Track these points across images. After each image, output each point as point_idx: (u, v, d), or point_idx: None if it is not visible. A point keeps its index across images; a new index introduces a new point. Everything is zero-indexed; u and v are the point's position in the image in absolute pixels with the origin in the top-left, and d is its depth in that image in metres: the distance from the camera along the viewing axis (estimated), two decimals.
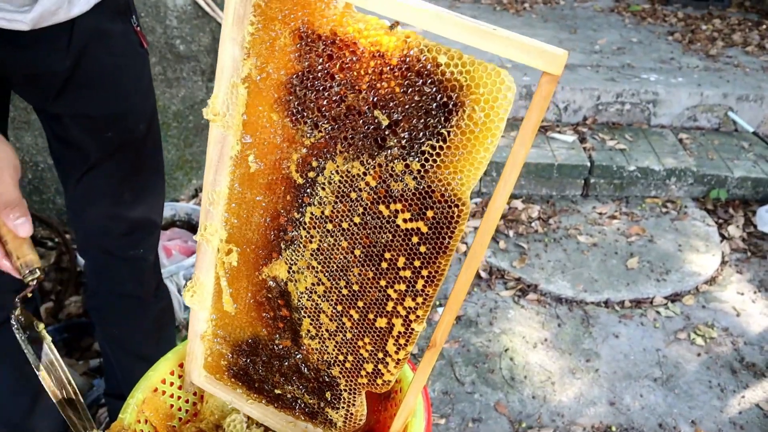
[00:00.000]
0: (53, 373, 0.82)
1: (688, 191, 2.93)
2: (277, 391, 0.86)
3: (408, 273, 0.69)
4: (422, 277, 0.68)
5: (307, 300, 0.76)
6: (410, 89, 0.61)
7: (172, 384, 0.96)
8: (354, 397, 0.82)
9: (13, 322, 0.78)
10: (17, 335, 0.78)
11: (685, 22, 4.43)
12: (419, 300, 0.69)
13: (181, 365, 0.98)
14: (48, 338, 0.82)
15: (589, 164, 2.88)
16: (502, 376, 1.97)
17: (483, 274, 2.40)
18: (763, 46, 3.97)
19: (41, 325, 0.83)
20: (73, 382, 0.84)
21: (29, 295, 0.79)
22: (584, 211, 2.83)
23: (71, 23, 1.01)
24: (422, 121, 0.62)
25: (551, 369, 2.00)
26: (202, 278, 0.82)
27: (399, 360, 0.75)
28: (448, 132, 0.61)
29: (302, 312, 0.78)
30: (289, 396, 0.86)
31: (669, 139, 3.12)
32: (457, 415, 1.83)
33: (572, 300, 2.30)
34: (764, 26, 4.35)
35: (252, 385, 0.88)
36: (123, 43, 1.13)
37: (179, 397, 0.98)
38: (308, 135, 0.67)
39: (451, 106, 0.60)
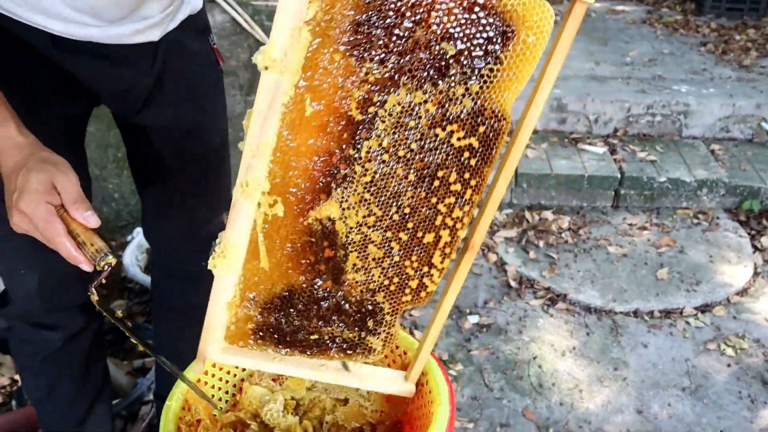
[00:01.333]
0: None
1: (720, 202, 2.93)
2: (314, 337, 0.90)
3: (458, 186, 0.78)
4: (470, 187, 0.79)
5: (357, 234, 0.81)
6: (476, 20, 0.70)
7: (213, 375, 1.04)
8: (395, 318, 0.88)
9: (96, 305, 0.87)
10: (105, 315, 0.87)
11: (718, 33, 4.40)
12: (466, 209, 0.80)
13: (214, 365, 1.05)
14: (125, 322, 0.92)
15: (619, 175, 2.90)
16: (530, 383, 2.00)
17: (513, 284, 2.44)
18: None
19: (118, 312, 0.91)
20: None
21: (103, 281, 0.86)
22: (614, 222, 2.84)
23: (157, 43, 1.10)
24: (484, 48, 0.71)
25: (579, 377, 2.03)
26: (235, 239, 0.82)
27: (443, 269, 0.85)
28: (505, 56, 0.71)
29: (350, 248, 0.82)
30: (326, 337, 0.91)
31: (701, 150, 3.12)
32: (485, 420, 1.87)
33: (601, 309, 2.32)
34: None
35: (283, 339, 0.91)
36: (202, 60, 1.21)
37: (220, 388, 1.06)
38: (374, 72, 0.73)
39: (509, 33, 0.70)
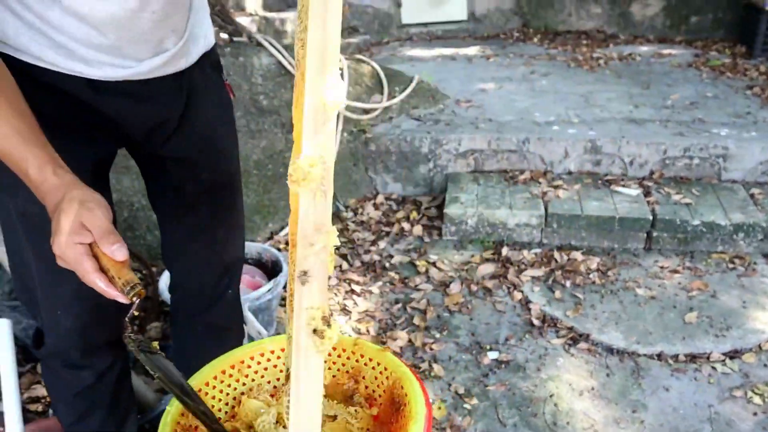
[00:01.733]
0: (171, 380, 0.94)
1: (759, 247, 2.87)
2: None
3: None
4: None
5: None
6: None
7: (214, 387, 1.12)
8: None
9: (126, 340, 0.92)
10: (133, 350, 0.91)
11: (767, 76, 4.35)
12: None
13: (224, 371, 1.14)
14: (161, 354, 0.95)
15: (651, 218, 2.89)
16: (544, 421, 2.01)
17: (536, 322, 2.46)
18: None
19: (154, 343, 0.95)
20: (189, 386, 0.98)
21: (135, 313, 0.95)
22: (645, 265, 2.82)
23: (181, 74, 1.19)
24: None
25: (595, 417, 2.02)
26: None
27: None
28: None
29: None
30: None
31: (739, 194, 3.07)
32: None
33: (624, 351, 2.31)
34: None
35: None
36: (218, 93, 1.31)
37: (220, 399, 1.14)
38: None
39: None
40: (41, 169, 0.91)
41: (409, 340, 2.37)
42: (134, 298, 0.90)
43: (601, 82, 4.37)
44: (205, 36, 1.24)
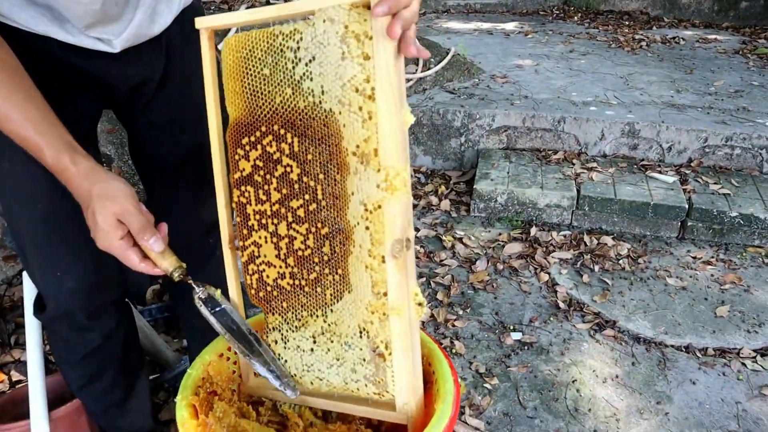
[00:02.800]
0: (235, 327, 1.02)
1: None
2: None
3: None
4: None
5: None
6: None
7: (236, 353, 1.10)
8: None
9: (197, 302, 1.01)
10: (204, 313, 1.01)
11: None
12: None
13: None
14: (223, 301, 1.02)
15: (687, 206, 2.80)
16: (566, 406, 1.97)
17: (562, 305, 2.41)
18: None
19: (218, 292, 1.03)
20: (253, 331, 1.03)
21: (188, 280, 0.99)
22: (677, 254, 2.75)
23: (159, 35, 1.15)
24: None
25: (618, 406, 1.98)
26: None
27: None
28: None
29: None
30: None
31: None
32: None
33: (651, 340, 2.26)
34: None
35: None
36: (197, 53, 1.27)
37: (234, 372, 1.12)
38: None
39: None
40: (58, 158, 0.92)
41: (432, 315, 2.34)
42: (179, 277, 0.97)
43: (642, 64, 4.24)
44: None
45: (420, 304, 0.89)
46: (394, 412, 0.96)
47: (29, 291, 1.30)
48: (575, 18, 5.71)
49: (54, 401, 1.49)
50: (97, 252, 1.14)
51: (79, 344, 1.28)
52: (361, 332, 0.95)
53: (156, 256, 0.94)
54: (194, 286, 0.99)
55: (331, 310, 0.96)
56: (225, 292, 1.05)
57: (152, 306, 2.14)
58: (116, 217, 0.90)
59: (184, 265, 0.98)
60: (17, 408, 1.65)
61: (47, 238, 1.14)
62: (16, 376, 1.93)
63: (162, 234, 0.96)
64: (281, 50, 0.88)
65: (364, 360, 0.96)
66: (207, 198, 1.38)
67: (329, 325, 0.97)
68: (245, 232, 1.00)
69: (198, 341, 1.61)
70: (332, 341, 0.98)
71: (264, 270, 0.99)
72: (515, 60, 4.23)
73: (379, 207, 0.85)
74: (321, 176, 0.90)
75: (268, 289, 1.00)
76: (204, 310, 0.99)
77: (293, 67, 0.88)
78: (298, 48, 0.86)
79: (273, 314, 1.01)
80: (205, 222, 1.42)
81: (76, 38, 1.02)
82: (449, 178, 3.31)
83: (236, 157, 0.97)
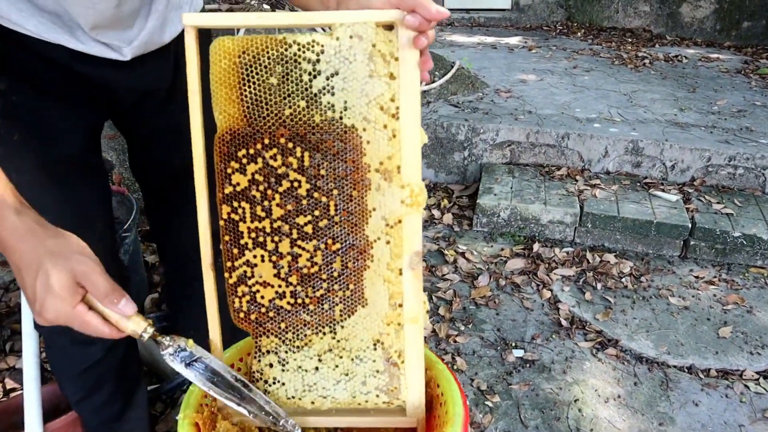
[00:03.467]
0: (220, 382, 0.92)
1: None
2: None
3: None
4: None
5: None
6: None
7: (239, 369, 1.08)
8: None
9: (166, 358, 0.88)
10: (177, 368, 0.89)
11: None
12: None
13: (241, 359, 1.09)
14: (198, 351, 0.92)
15: (690, 225, 2.79)
16: (567, 425, 1.95)
17: (564, 323, 2.39)
18: None
19: (189, 342, 0.91)
20: (239, 376, 0.94)
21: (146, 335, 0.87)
22: (680, 273, 2.74)
23: (169, 43, 1.13)
24: None
25: (620, 426, 1.95)
26: None
27: None
28: None
29: None
30: None
31: None
32: None
33: (653, 360, 2.24)
34: None
35: None
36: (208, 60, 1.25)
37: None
38: None
39: None
40: None
41: (433, 331, 2.31)
42: (148, 338, 0.86)
43: (645, 82, 4.25)
44: (190, 2, 1.17)
45: (427, 312, 0.95)
46: (405, 417, 0.99)
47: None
48: (578, 34, 5.72)
49: (49, 412, 1.46)
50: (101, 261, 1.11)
51: (80, 358, 1.26)
52: (375, 344, 0.95)
53: (119, 320, 0.82)
54: (162, 341, 0.87)
55: (342, 326, 0.94)
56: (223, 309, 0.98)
57: (150, 315, 2.11)
58: (76, 279, 0.76)
59: (151, 321, 0.87)
60: (11, 417, 1.62)
61: None
62: (10, 383, 1.90)
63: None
64: (296, 60, 0.85)
65: (377, 371, 0.96)
66: (212, 211, 1.36)
67: (338, 341, 0.95)
68: (235, 251, 0.93)
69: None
70: (341, 357, 0.96)
71: (258, 291, 0.95)
72: (519, 75, 4.24)
73: (399, 222, 0.89)
74: (335, 192, 0.88)
75: (263, 310, 0.96)
76: (178, 367, 0.88)
77: (310, 80, 0.85)
78: (318, 60, 0.84)
79: (267, 336, 0.98)
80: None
81: (86, 45, 1.01)
82: (452, 192, 3.30)
83: (228, 170, 0.90)
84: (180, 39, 1.14)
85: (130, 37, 1.03)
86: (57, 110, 0.99)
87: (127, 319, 0.82)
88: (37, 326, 1.23)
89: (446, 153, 3.34)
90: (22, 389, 1.69)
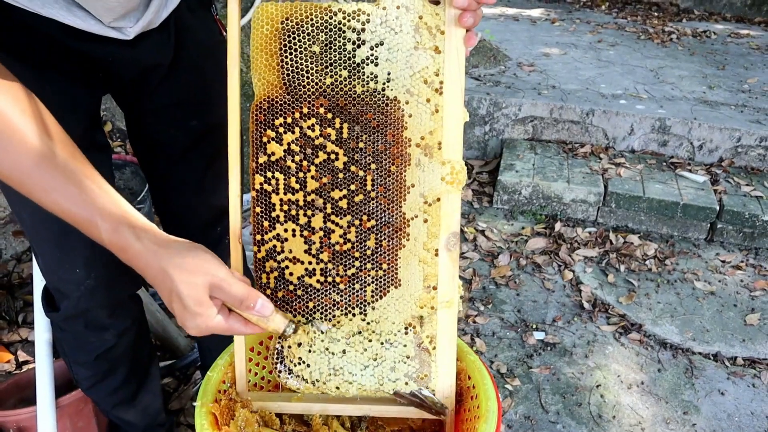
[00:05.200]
0: None
1: None
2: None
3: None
4: None
5: None
6: None
7: (251, 360, 1.03)
8: None
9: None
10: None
11: None
12: None
13: (261, 342, 1.05)
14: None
15: (717, 207, 2.70)
16: (589, 412, 1.90)
17: (586, 305, 2.33)
18: None
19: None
20: None
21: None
22: (706, 257, 2.66)
23: (167, 18, 1.06)
24: None
25: (643, 414, 1.90)
26: None
27: None
28: None
29: None
30: None
31: None
32: None
33: (678, 347, 2.17)
34: None
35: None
36: (206, 32, 1.17)
37: (264, 367, 1.05)
38: None
39: None
40: (117, 232, 0.75)
41: None
42: (290, 331, 0.89)
43: (672, 57, 4.12)
44: None
45: (461, 297, 0.92)
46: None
47: (40, 286, 1.21)
48: (603, 7, 5.56)
49: (61, 386, 1.43)
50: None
51: (93, 344, 1.21)
52: (407, 328, 0.91)
53: (259, 320, 0.82)
54: (312, 329, 0.90)
55: (373, 308, 0.89)
56: None
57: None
58: (209, 293, 0.76)
59: (290, 316, 0.89)
60: (23, 391, 1.59)
61: (65, 233, 1.04)
62: (23, 356, 1.87)
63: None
64: (340, 29, 0.81)
65: (408, 357, 0.92)
66: (213, 186, 1.29)
67: (368, 323, 0.90)
68: (266, 224, 0.89)
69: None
70: (370, 340, 0.91)
71: (287, 267, 0.90)
72: (542, 48, 4.11)
73: (438, 200, 0.86)
74: (373, 166, 0.83)
75: (291, 288, 0.91)
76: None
77: (354, 49, 0.81)
78: (363, 30, 0.80)
79: (294, 316, 0.93)
80: (211, 211, 1.33)
81: (86, 23, 0.93)
82: (472, 168, 3.22)
83: (264, 138, 0.86)
84: (177, 12, 1.07)
85: (136, 17, 0.96)
86: (56, 88, 0.92)
87: (266, 319, 0.83)
88: (47, 313, 1.19)
89: (466, 127, 3.25)
90: (34, 362, 1.66)
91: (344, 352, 0.93)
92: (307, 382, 0.94)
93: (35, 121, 0.74)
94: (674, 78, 3.70)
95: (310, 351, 0.94)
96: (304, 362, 0.94)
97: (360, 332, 0.92)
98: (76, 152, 0.77)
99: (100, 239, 0.76)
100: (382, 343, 0.92)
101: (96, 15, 0.91)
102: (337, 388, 0.95)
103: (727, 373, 2.09)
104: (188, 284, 0.74)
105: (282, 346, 0.93)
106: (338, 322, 0.92)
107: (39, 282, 1.20)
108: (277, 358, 0.94)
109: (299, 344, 0.94)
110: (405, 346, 0.92)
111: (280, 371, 0.94)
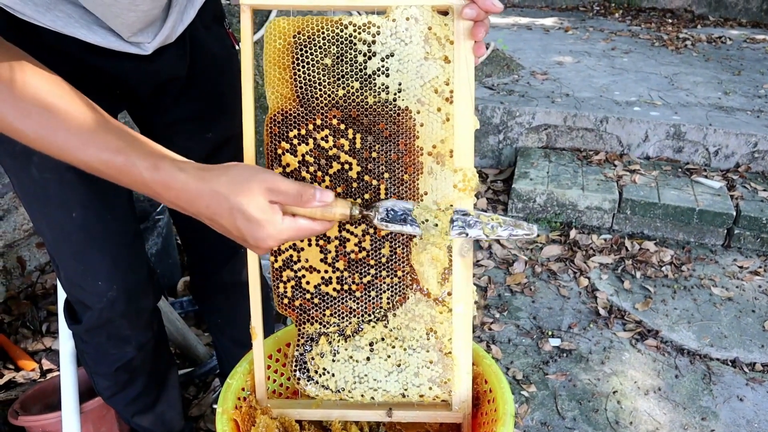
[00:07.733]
0: None
1: None
2: None
3: None
4: None
5: None
6: None
7: (269, 367, 1.05)
8: None
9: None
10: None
11: None
12: None
13: (279, 350, 1.07)
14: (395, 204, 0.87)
15: (734, 213, 2.69)
16: (606, 418, 1.90)
17: (602, 312, 2.33)
18: None
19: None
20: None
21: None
22: (723, 263, 2.65)
23: (182, 33, 1.08)
24: None
25: (661, 420, 1.90)
26: None
27: None
28: None
29: None
30: None
31: None
32: None
33: (695, 353, 2.17)
34: None
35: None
36: (219, 45, 1.20)
37: (282, 374, 1.07)
38: None
39: None
40: (158, 168, 0.74)
41: None
42: (359, 213, 0.83)
43: (687, 64, 4.11)
44: None
45: (476, 303, 0.93)
46: (450, 412, 0.97)
47: (62, 298, 1.24)
48: (616, 15, 5.57)
49: (85, 393, 1.46)
50: (130, 257, 1.06)
51: (114, 356, 1.23)
52: (428, 333, 0.93)
53: (324, 212, 0.79)
54: (369, 213, 0.84)
55: (394, 314, 0.92)
56: (247, 296, 0.95)
57: (183, 299, 2.11)
58: (266, 198, 0.75)
59: (351, 199, 0.85)
60: (48, 398, 1.63)
61: (86, 246, 1.08)
62: (47, 364, 1.92)
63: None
64: (351, 41, 0.83)
65: (431, 362, 0.94)
66: None
67: (390, 330, 0.92)
68: None
69: (219, 336, 1.56)
70: (393, 347, 0.93)
71: (304, 276, 0.93)
72: (555, 56, 4.13)
73: (451, 206, 0.87)
74: (386, 175, 0.85)
75: (308, 296, 0.93)
76: (392, 227, 0.82)
77: (365, 61, 0.83)
78: (374, 42, 0.83)
79: (311, 324, 0.95)
80: None
81: (106, 40, 0.95)
82: (486, 176, 3.24)
83: (278, 150, 0.88)
84: (192, 27, 1.10)
85: (154, 32, 0.99)
86: None
87: (331, 207, 0.80)
88: (70, 325, 1.22)
89: (480, 136, 3.28)
90: (58, 370, 1.70)
91: (368, 359, 0.95)
92: (331, 391, 0.96)
93: (74, 91, 0.77)
94: (689, 84, 3.69)
95: (334, 360, 0.96)
96: (328, 372, 0.96)
97: (383, 339, 0.94)
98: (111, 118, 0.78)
99: (142, 181, 0.75)
100: (405, 349, 0.94)
101: (116, 30, 0.94)
102: (362, 395, 0.97)
103: (745, 379, 2.08)
104: (246, 195, 0.73)
105: (301, 353, 0.95)
106: (360, 330, 0.94)
107: (62, 294, 1.23)
108: (296, 366, 0.96)
109: (322, 354, 0.96)
110: (428, 351, 0.94)
111: (299, 378, 0.96)
